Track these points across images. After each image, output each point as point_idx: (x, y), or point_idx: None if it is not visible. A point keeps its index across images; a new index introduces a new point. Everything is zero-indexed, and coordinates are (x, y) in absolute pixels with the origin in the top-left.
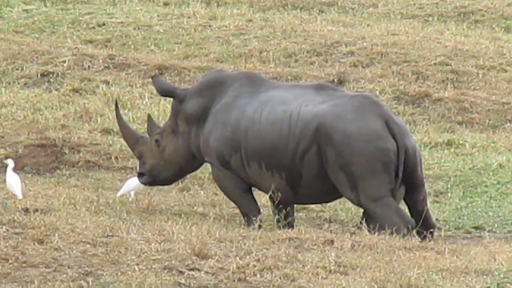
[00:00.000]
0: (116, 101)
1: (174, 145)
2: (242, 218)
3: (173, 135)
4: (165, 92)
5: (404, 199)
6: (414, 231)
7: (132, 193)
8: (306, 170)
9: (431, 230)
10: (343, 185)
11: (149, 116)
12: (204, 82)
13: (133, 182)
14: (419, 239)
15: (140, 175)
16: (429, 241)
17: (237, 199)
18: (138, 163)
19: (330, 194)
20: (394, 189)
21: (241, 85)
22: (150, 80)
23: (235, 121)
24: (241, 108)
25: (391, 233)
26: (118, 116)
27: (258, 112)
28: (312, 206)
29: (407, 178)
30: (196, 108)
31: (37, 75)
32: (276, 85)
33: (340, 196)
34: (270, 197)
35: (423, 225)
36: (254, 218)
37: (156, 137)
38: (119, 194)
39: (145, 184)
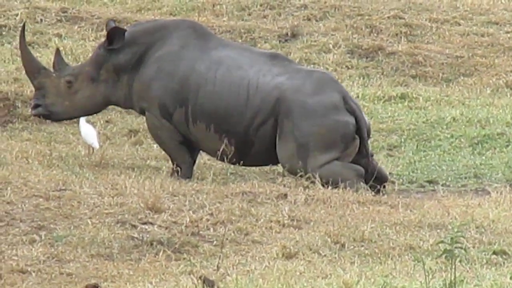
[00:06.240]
0: (24, 24)
1: (90, 92)
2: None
3: (91, 82)
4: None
5: None
6: (364, 182)
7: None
8: (258, 141)
9: (384, 183)
10: (290, 156)
11: (57, 50)
12: (138, 30)
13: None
14: (373, 193)
15: (35, 106)
16: (383, 195)
17: (171, 151)
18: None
19: (274, 161)
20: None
21: (186, 35)
22: (103, 33)
23: (183, 73)
24: (190, 61)
25: (345, 187)
26: (22, 39)
27: (211, 72)
28: None
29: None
30: (130, 56)
31: None
32: (226, 43)
33: None
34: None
35: (378, 179)
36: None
37: (69, 78)
38: (97, 145)
39: (36, 115)
